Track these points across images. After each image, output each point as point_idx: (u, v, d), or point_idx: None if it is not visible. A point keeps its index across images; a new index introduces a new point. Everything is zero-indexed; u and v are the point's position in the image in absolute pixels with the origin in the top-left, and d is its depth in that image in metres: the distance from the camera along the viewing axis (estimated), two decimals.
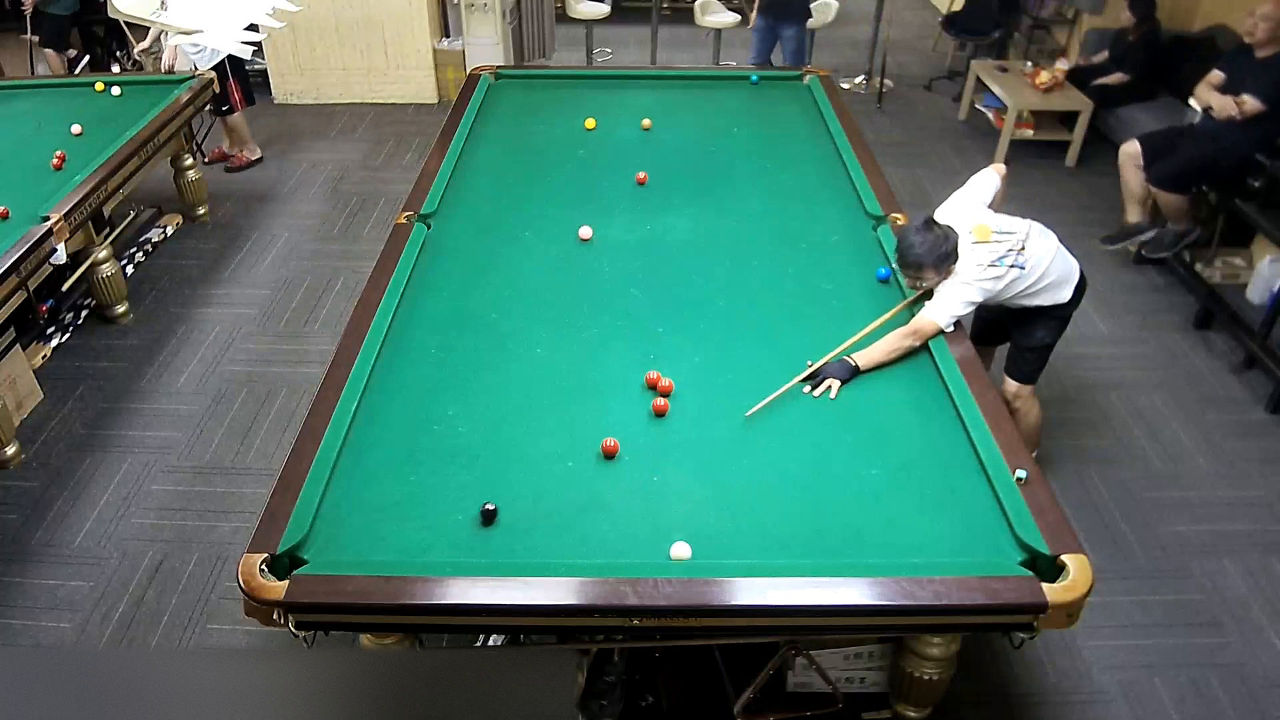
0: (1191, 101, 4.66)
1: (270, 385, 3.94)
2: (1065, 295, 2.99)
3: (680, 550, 2.06)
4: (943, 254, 2.71)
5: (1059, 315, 3.06)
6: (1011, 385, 3.20)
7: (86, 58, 6.68)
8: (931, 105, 6.91)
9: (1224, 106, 4.28)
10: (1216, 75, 4.45)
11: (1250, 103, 4.18)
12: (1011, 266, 2.81)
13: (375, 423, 2.39)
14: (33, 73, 6.44)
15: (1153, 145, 4.64)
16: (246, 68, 5.61)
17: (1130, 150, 4.68)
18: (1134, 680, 2.78)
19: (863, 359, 2.60)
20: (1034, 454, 3.32)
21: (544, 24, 7.39)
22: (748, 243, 3.24)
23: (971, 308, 2.78)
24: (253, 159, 5.82)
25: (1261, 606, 3.01)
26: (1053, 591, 1.92)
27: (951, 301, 2.72)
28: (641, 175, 3.63)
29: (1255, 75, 4.22)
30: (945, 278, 2.75)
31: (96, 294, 4.29)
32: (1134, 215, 4.77)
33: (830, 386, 2.54)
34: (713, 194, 3.55)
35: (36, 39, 6.42)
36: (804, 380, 2.55)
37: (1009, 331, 3.21)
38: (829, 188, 3.58)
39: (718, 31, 6.88)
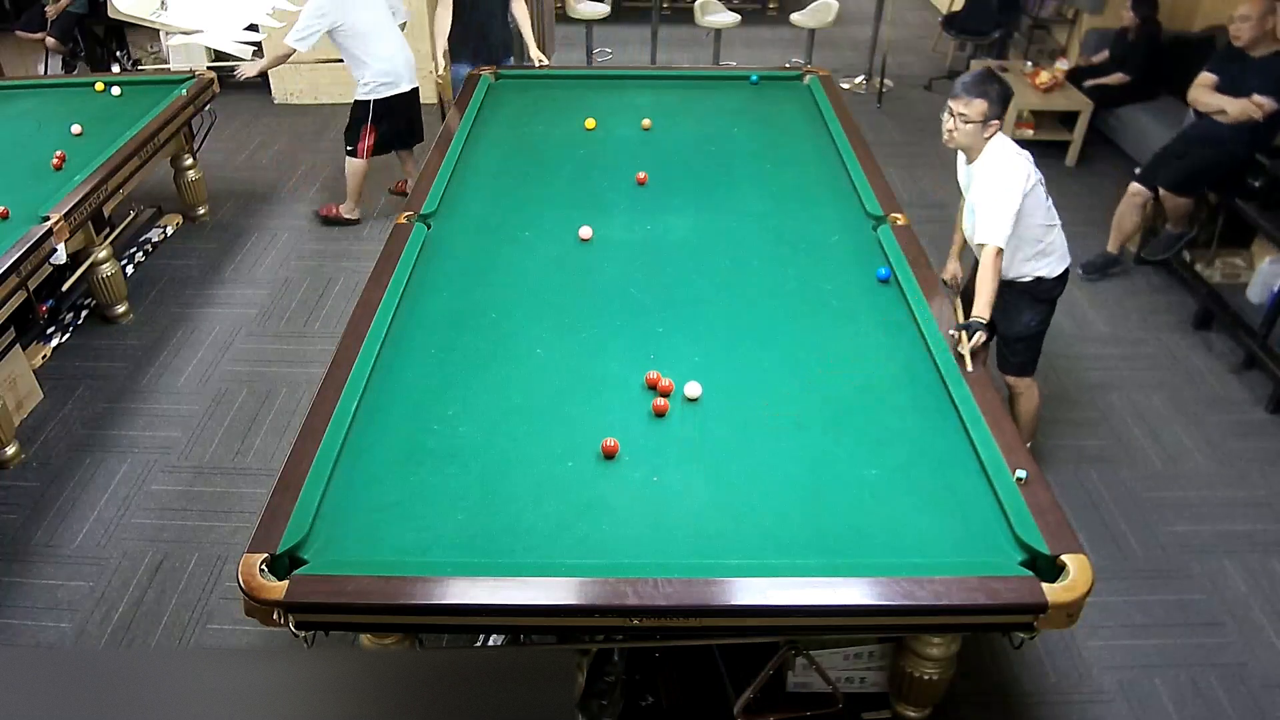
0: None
1: (270, 385, 3.94)
2: (1060, 268, 3.08)
3: (692, 389, 2.44)
4: (998, 93, 2.80)
5: (1047, 297, 3.12)
6: (1010, 379, 3.25)
7: (82, 55, 6.70)
8: (931, 105, 6.91)
9: (1244, 110, 4.23)
10: (1209, 78, 4.42)
11: (1269, 103, 4.16)
12: (1034, 173, 2.89)
13: (375, 423, 2.39)
14: (46, 72, 6.46)
15: (1152, 167, 4.66)
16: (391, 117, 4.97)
17: (1135, 189, 4.65)
18: (1134, 680, 2.78)
19: (983, 309, 2.73)
20: (1028, 444, 3.34)
21: (544, 24, 7.39)
22: (748, 243, 3.24)
23: (1014, 212, 2.82)
24: (346, 217, 5.20)
25: (1261, 606, 3.01)
26: (1053, 591, 1.92)
27: (998, 209, 2.80)
28: (641, 175, 3.63)
29: (1259, 76, 4.21)
30: (988, 131, 2.84)
31: (96, 294, 4.29)
32: (1114, 247, 4.77)
33: (977, 339, 2.64)
34: (713, 194, 3.55)
35: (51, 40, 6.45)
36: (958, 335, 2.65)
37: (995, 325, 3.19)
38: (829, 188, 3.58)
39: (718, 31, 6.88)
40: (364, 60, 4.76)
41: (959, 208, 3.33)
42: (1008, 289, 3.10)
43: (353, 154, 5.03)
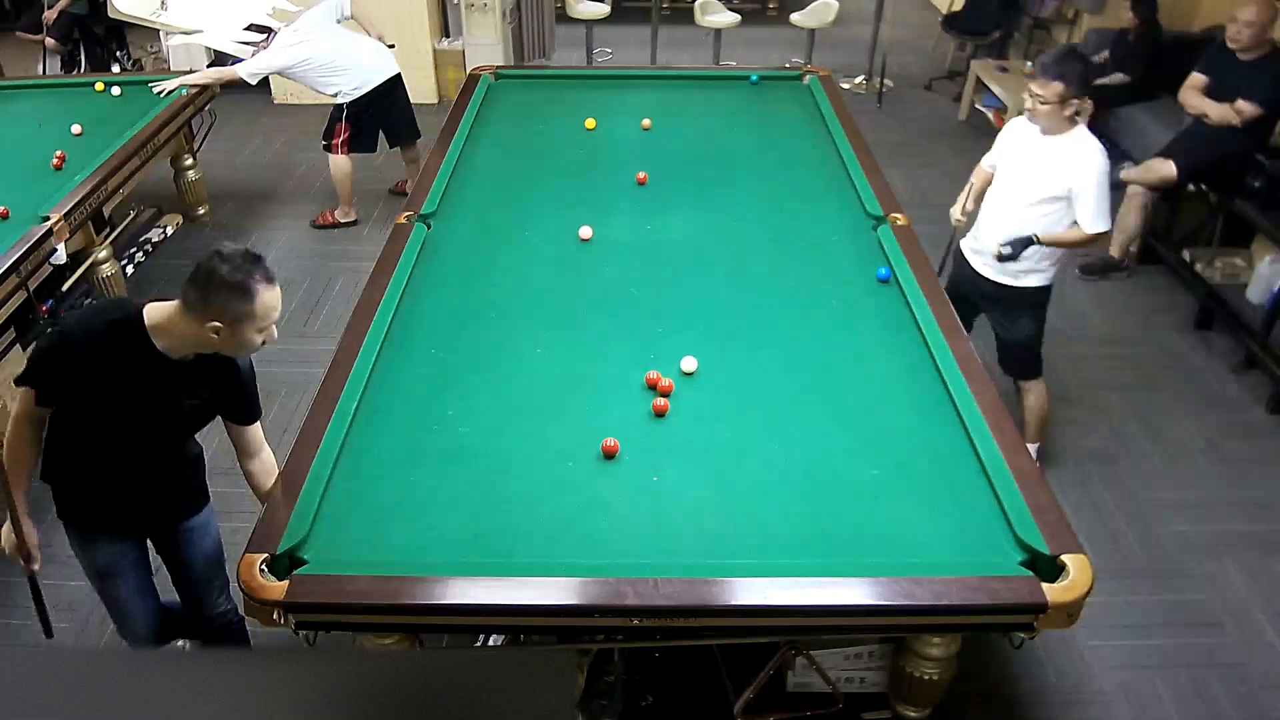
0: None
1: (270, 385, 3.92)
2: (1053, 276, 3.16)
3: (689, 364, 2.52)
4: (1077, 74, 2.81)
5: (1046, 301, 3.21)
6: (1019, 381, 3.31)
7: (83, 59, 6.69)
8: (931, 105, 6.91)
9: (1224, 115, 4.27)
10: (1198, 79, 4.43)
11: (1249, 109, 4.18)
12: None
13: (375, 423, 2.39)
14: (45, 72, 6.45)
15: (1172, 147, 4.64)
16: (377, 112, 4.95)
17: (1134, 191, 4.63)
18: (1134, 680, 2.78)
19: (1048, 240, 2.94)
20: (1038, 445, 3.35)
21: (544, 24, 7.39)
22: (747, 243, 3.24)
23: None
24: (342, 220, 5.16)
25: (1261, 606, 3.01)
26: (1053, 591, 1.92)
27: (1104, 197, 2.89)
28: (641, 175, 3.63)
29: (1246, 79, 4.22)
30: (1067, 110, 2.85)
31: (96, 294, 4.28)
32: (1116, 250, 4.74)
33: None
34: (713, 194, 3.55)
35: (51, 40, 6.44)
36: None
37: (995, 331, 3.31)
38: (829, 188, 3.58)
39: (718, 31, 6.88)
40: (331, 81, 4.78)
41: (989, 161, 3.30)
42: (1016, 297, 3.14)
43: (328, 149, 4.98)
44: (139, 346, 2.02)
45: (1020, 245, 2.94)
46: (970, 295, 3.22)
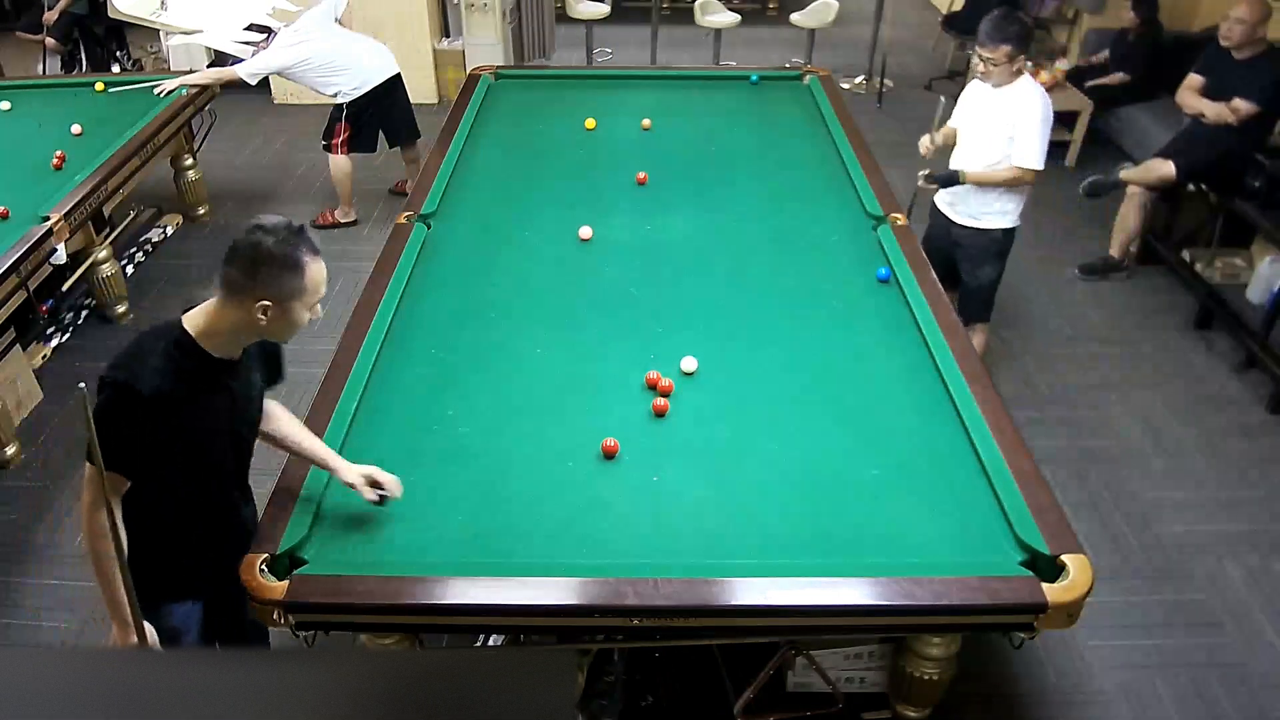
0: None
1: None
2: (1018, 218, 3.47)
3: (689, 364, 2.54)
4: (1018, 33, 3.17)
5: (1009, 249, 3.52)
6: (974, 325, 3.54)
7: (83, 59, 6.69)
8: (931, 105, 6.88)
9: (1219, 114, 4.28)
10: (1196, 79, 4.43)
11: (1244, 106, 4.19)
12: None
13: (375, 423, 2.39)
14: (45, 72, 6.45)
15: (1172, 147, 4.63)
16: (378, 114, 4.95)
17: (1134, 191, 4.63)
18: (1134, 680, 2.78)
19: (971, 179, 3.32)
20: None
21: (544, 24, 7.39)
22: (747, 243, 3.24)
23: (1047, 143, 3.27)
24: (342, 220, 5.18)
25: (1261, 606, 3.01)
26: (1053, 591, 1.92)
27: (1042, 137, 3.22)
28: (641, 175, 3.63)
29: (1241, 78, 4.23)
30: (1016, 65, 3.22)
31: (96, 294, 4.29)
32: (1117, 250, 4.73)
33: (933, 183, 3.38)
34: (713, 194, 3.55)
35: (51, 40, 6.44)
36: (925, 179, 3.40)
37: (960, 277, 3.59)
38: (829, 188, 3.59)
39: (718, 31, 6.88)
40: (331, 81, 4.77)
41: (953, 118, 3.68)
42: (984, 241, 3.46)
43: (328, 149, 4.98)
44: (201, 362, 1.84)
45: (947, 178, 3.39)
46: (944, 248, 3.55)
